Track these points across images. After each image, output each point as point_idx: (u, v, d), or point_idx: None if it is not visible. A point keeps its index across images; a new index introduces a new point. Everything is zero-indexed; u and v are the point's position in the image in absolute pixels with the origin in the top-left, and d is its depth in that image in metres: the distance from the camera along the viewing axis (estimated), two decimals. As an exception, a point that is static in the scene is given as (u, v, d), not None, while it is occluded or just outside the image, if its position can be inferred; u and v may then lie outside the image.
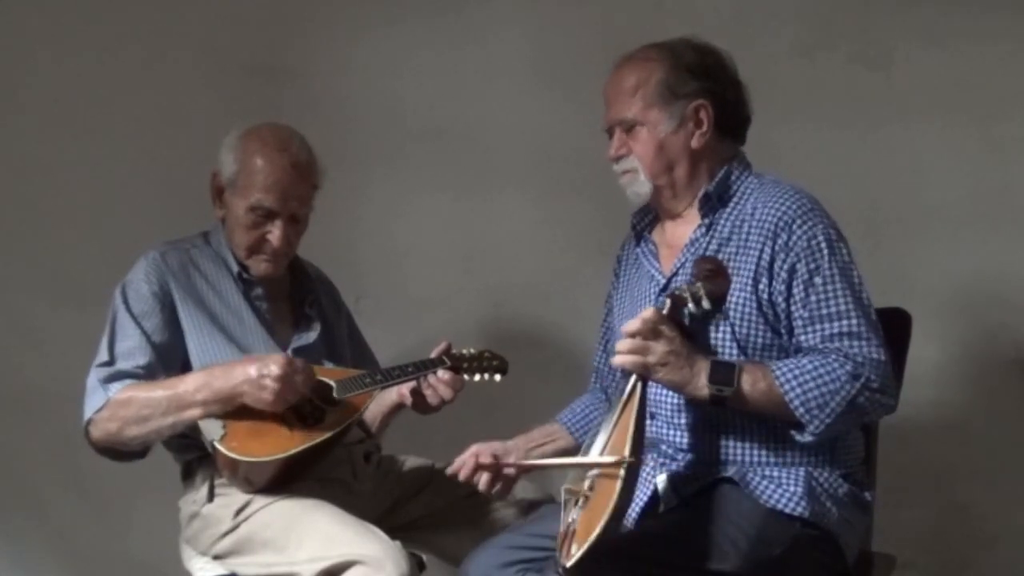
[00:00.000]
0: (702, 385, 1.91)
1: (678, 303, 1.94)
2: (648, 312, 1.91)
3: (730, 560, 1.87)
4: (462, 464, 2.14)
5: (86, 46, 2.90)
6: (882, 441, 2.24)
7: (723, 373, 1.91)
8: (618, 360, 1.92)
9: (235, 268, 2.29)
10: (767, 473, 1.98)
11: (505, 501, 2.31)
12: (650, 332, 1.90)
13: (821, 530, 1.96)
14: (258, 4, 2.97)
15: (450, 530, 2.31)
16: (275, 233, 2.24)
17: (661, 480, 2.01)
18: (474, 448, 2.15)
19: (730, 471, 1.98)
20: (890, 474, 2.29)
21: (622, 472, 1.77)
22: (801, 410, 1.91)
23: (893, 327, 2.09)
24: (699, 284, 1.94)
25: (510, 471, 2.15)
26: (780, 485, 1.96)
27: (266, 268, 2.29)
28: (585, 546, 1.73)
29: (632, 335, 1.90)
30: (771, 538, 1.91)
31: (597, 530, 1.73)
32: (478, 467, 2.13)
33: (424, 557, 2.26)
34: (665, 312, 1.93)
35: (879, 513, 2.17)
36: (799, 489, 1.95)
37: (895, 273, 2.75)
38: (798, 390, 1.90)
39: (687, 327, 1.96)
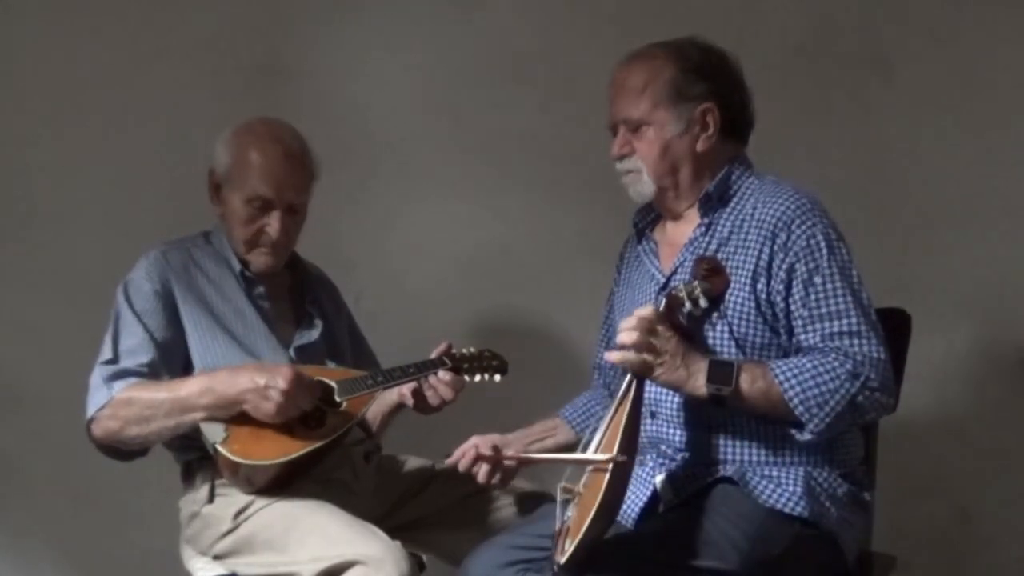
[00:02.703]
0: (700, 385, 1.91)
1: (674, 303, 1.94)
2: (643, 310, 1.92)
3: (729, 560, 1.87)
4: (462, 454, 2.14)
5: (86, 46, 2.90)
6: (882, 441, 2.24)
7: (721, 372, 1.91)
8: (615, 356, 1.92)
9: (237, 267, 2.29)
10: (766, 473, 1.98)
11: (505, 501, 2.32)
12: (646, 330, 1.90)
13: (820, 530, 1.96)
14: (258, 4, 2.97)
15: (450, 530, 2.31)
16: (273, 225, 2.25)
17: (660, 480, 2.01)
18: (474, 439, 2.15)
19: (729, 471, 1.98)
20: (890, 474, 2.29)
21: (609, 469, 1.79)
22: (801, 408, 1.91)
23: (893, 327, 2.09)
24: (696, 283, 1.94)
25: (510, 463, 2.15)
26: (779, 485, 1.96)
27: (266, 262, 2.28)
28: (575, 542, 1.74)
29: (627, 330, 1.90)
30: (770, 538, 1.91)
31: (584, 526, 1.75)
32: (478, 458, 2.13)
33: (424, 557, 2.26)
34: (660, 311, 1.93)
35: (879, 513, 2.17)
36: (798, 489, 1.95)
37: (895, 273, 2.76)
38: (797, 388, 1.90)
39: (685, 326, 1.96)
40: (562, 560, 1.77)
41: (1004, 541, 2.88)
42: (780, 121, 2.65)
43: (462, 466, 2.14)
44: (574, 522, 1.82)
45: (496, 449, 2.14)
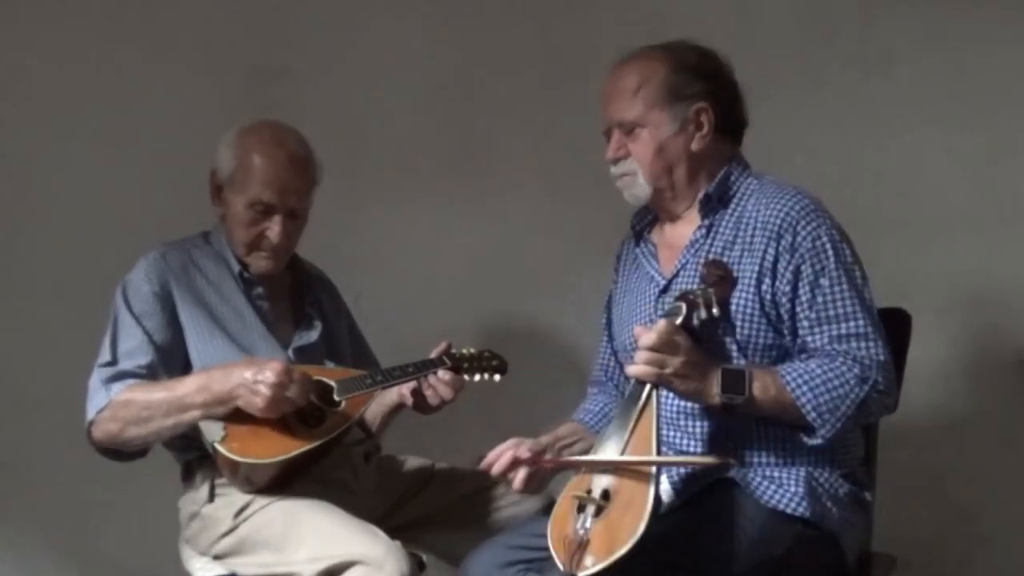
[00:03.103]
0: (714, 393, 1.91)
1: (692, 308, 1.92)
2: (663, 324, 1.89)
3: (731, 561, 1.87)
4: (497, 456, 1.97)
5: (86, 47, 2.90)
6: (882, 441, 2.24)
7: (734, 381, 1.90)
8: (635, 371, 1.90)
9: (236, 268, 2.29)
10: (768, 474, 1.98)
11: (505, 502, 2.31)
12: (666, 345, 1.88)
13: (822, 530, 1.96)
14: (258, 4, 2.97)
15: (450, 530, 2.31)
16: (274, 229, 2.25)
17: (662, 481, 2.00)
18: (512, 441, 1.99)
19: (731, 472, 1.98)
20: (890, 474, 2.29)
21: (653, 483, 1.76)
22: (813, 414, 1.91)
23: (893, 327, 2.09)
24: (711, 290, 1.93)
25: (547, 468, 2.01)
26: (781, 485, 1.96)
27: (266, 265, 2.28)
28: (608, 563, 1.70)
29: (649, 348, 1.88)
30: (772, 538, 1.91)
31: (627, 545, 1.70)
32: (515, 462, 1.97)
33: (424, 557, 2.26)
34: (680, 321, 1.91)
35: (879, 513, 2.17)
36: (800, 489, 1.95)
37: (895, 273, 2.75)
38: (809, 395, 1.91)
39: (698, 333, 1.94)
40: (582, 574, 1.72)
41: (1004, 541, 2.88)
42: (780, 122, 2.67)
43: (496, 470, 1.96)
44: (601, 535, 1.75)
45: (535, 453, 1.99)
